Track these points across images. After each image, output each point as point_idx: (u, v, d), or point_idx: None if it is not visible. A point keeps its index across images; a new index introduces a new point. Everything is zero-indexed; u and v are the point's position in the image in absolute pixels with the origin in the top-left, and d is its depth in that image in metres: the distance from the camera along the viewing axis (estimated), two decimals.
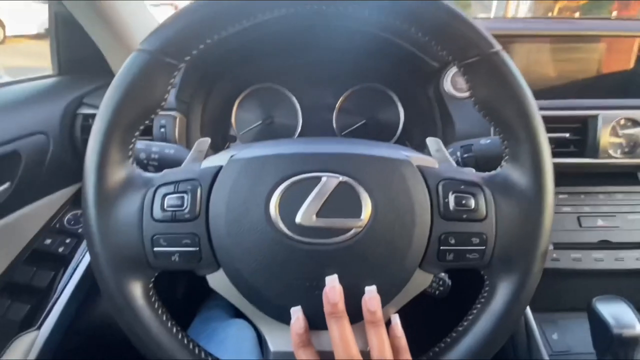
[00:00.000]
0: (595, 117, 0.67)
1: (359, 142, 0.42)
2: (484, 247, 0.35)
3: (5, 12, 5.22)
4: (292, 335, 0.34)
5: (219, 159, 0.38)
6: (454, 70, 0.70)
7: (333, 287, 0.33)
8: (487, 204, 0.36)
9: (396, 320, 0.36)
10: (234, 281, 0.36)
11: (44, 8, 0.76)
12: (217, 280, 0.36)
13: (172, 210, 0.35)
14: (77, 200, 0.71)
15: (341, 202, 0.34)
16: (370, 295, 0.34)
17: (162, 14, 0.37)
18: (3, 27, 5.25)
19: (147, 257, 0.35)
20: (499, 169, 0.38)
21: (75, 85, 0.74)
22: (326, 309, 0.34)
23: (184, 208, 0.35)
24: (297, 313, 0.35)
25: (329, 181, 0.34)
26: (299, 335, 0.34)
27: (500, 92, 0.35)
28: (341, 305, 0.33)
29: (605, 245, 0.67)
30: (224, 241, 0.35)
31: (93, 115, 0.35)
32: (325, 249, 0.34)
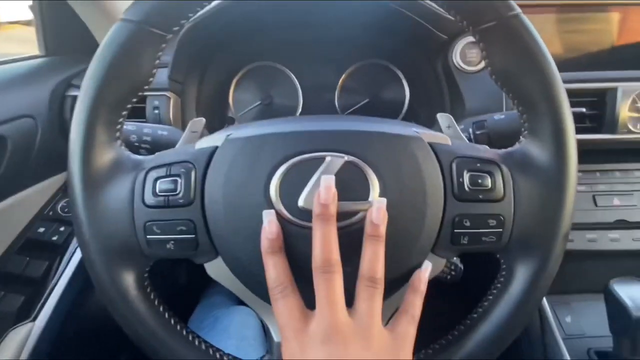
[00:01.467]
0: (614, 89, 0.64)
1: (364, 118, 0.39)
2: (501, 230, 0.33)
3: None
4: (261, 240, 0.31)
5: (215, 139, 0.35)
6: (463, 42, 0.67)
7: (328, 187, 0.30)
8: (505, 182, 0.34)
9: (427, 266, 0.34)
10: (234, 269, 0.34)
11: None
12: (216, 269, 0.35)
13: (165, 195, 0.33)
14: None
15: (347, 184, 0.32)
16: (378, 206, 0.31)
17: None
18: None
19: (140, 246, 0.33)
20: (517, 144, 0.36)
21: (63, 66, 0.71)
22: (315, 209, 0.30)
23: (177, 192, 0.33)
24: (269, 216, 0.31)
25: (334, 161, 0.32)
26: (269, 241, 0.31)
27: (520, 60, 0.32)
28: (333, 209, 0.30)
29: (621, 225, 0.65)
30: (221, 227, 0.33)
31: None
32: None
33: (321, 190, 0.30)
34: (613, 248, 0.64)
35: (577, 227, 0.64)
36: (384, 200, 0.31)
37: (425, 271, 0.33)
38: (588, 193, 0.66)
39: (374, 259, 0.31)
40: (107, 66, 0.32)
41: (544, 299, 0.63)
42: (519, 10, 0.32)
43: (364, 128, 0.35)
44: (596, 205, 0.65)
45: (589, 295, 0.64)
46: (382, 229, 0.31)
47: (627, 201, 0.65)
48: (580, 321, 0.62)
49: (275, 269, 0.31)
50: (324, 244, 0.30)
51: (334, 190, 0.30)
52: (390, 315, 0.35)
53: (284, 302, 0.30)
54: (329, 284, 0.30)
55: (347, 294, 0.31)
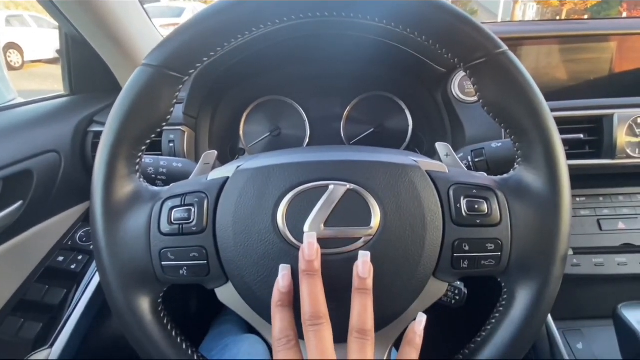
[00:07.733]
0: (611, 116, 0.65)
1: (365, 149, 0.41)
2: (499, 253, 0.34)
3: (23, 39, 5.44)
4: (273, 292, 0.32)
5: (226, 171, 0.37)
6: (461, 74, 0.70)
7: (311, 244, 0.31)
8: (501, 208, 0.35)
9: (422, 319, 0.34)
10: (243, 294, 0.35)
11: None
12: (226, 294, 0.36)
13: (179, 224, 0.35)
14: (88, 217, 0.72)
15: (349, 211, 0.33)
16: (363, 260, 0.32)
17: None
18: (21, 52, 5.47)
19: (155, 272, 0.35)
20: (512, 171, 0.38)
21: (86, 104, 0.76)
22: (300, 265, 0.31)
23: (191, 221, 0.35)
24: (284, 270, 0.32)
25: (336, 189, 0.34)
26: (280, 294, 0.32)
27: (509, 92, 0.34)
28: (317, 264, 0.31)
29: (628, 248, 0.65)
30: (231, 253, 0.34)
31: None
32: (335, 258, 0.33)
33: (304, 247, 0.32)
34: (621, 272, 0.63)
35: (583, 251, 0.64)
36: (367, 253, 0.32)
37: (420, 324, 0.33)
38: (592, 217, 0.66)
39: (362, 312, 0.31)
40: (129, 107, 0.34)
41: (554, 326, 0.62)
42: (505, 47, 0.34)
43: (365, 158, 0.36)
44: (601, 229, 0.65)
45: (600, 320, 0.63)
46: (369, 282, 0.31)
47: (632, 225, 0.65)
48: (592, 347, 0.61)
49: (282, 322, 0.31)
50: (312, 298, 0.30)
51: (316, 246, 0.32)
52: (391, 343, 0.36)
53: (285, 354, 0.30)
54: (320, 336, 0.30)
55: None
